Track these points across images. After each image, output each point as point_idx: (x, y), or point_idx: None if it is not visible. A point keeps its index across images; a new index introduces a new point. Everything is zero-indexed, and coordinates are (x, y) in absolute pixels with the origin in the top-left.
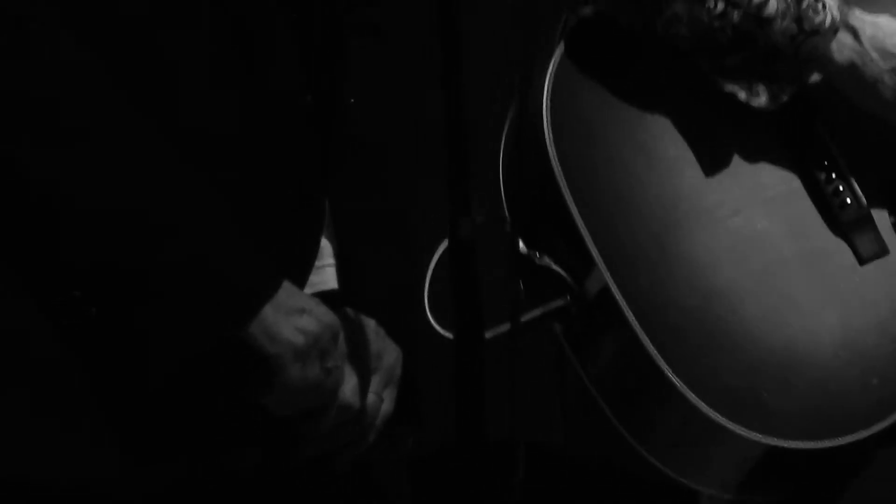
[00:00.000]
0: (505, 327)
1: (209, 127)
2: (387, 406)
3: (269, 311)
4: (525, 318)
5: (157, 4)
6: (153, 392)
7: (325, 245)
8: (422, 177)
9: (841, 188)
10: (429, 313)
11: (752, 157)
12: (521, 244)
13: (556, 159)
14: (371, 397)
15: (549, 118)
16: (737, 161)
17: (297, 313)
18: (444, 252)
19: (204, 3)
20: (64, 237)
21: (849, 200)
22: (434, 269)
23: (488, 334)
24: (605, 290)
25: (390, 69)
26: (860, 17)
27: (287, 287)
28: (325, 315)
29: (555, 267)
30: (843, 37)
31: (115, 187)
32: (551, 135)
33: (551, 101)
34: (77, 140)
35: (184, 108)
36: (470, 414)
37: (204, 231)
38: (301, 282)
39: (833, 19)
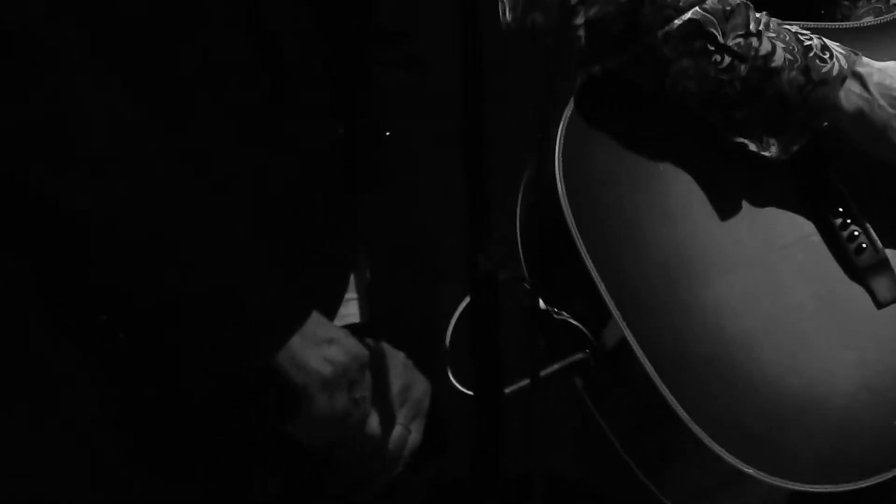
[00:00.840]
0: (525, 382)
1: (239, 158)
2: (414, 437)
3: (297, 341)
4: (545, 372)
5: (185, 28)
6: (179, 415)
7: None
8: (451, 209)
9: (856, 233)
10: (450, 373)
11: (765, 204)
12: (539, 300)
13: (570, 213)
14: (398, 429)
15: (561, 172)
16: (750, 209)
17: (325, 343)
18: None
19: (235, 27)
20: (92, 263)
21: (864, 245)
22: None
23: (508, 389)
24: (623, 341)
25: (424, 101)
26: (868, 64)
27: (316, 317)
28: (354, 346)
29: (573, 321)
30: (851, 85)
31: (143, 215)
32: (564, 189)
33: (563, 155)
34: (106, 167)
35: (212, 138)
36: (487, 458)
37: (233, 260)
38: (331, 313)
39: (840, 68)
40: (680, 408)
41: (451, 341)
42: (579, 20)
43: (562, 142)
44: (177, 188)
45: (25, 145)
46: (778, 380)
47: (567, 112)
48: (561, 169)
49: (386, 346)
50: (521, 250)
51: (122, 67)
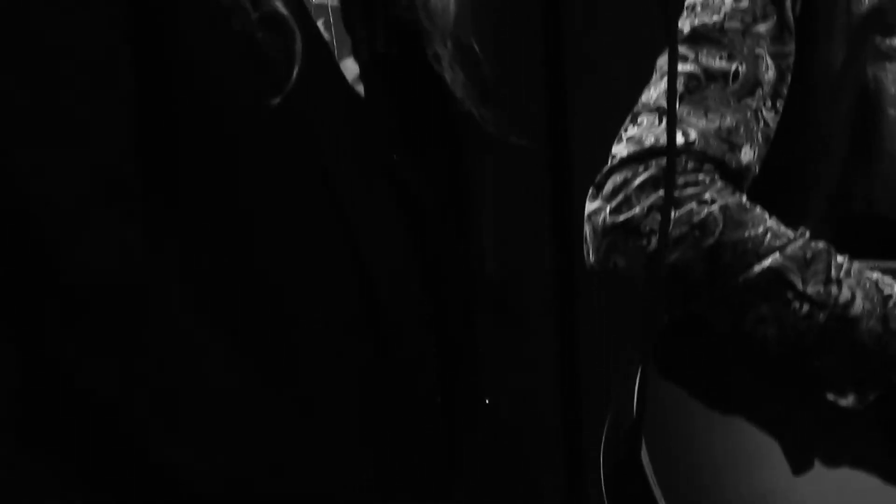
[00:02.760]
0: None
1: (339, 419)
2: None
3: None
4: None
5: (289, 281)
6: None
7: None
8: (550, 474)
9: None
10: None
11: (846, 453)
12: None
13: (649, 461)
14: None
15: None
16: (827, 459)
17: None
18: None
19: (342, 282)
20: None
21: None
22: None
23: None
24: None
25: (520, 358)
26: None
27: None
28: None
29: None
30: None
31: (243, 473)
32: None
33: (644, 403)
34: (199, 428)
35: (315, 397)
36: None
37: None
38: None
39: None
40: None
41: None
42: None
43: (642, 389)
44: (280, 448)
45: (123, 401)
46: None
47: (649, 358)
48: (642, 418)
49: None
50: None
51: (226, 323)
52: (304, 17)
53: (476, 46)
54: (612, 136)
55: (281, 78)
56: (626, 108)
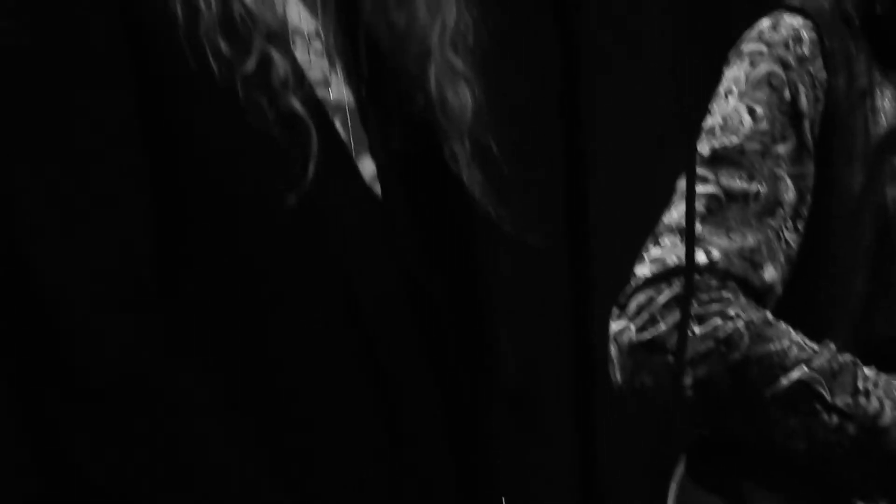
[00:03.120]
0: None
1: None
2: None
3: None
4: None
5: (306, 371)
6: None
7: None
8: None
9: None
10: None
11: None
12: None
13: None
14: None
15: None
16: None
17: None
18: None
19: (354, 369)
20: None
21: None
22: None
23: None
24: None
25: (539, 461)
26: None
27: None
28: None
29: None
30: None
31: None
32: None
33: None
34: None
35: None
36: None
37: None
38: None
39: None
40: None
41: None
42: (688, 380)
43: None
44: None
45: (134, 490)
46: None
47: (678, 473)
48: None
49: None
50: None
51: (238, 417)
52: (321, 116)
53: (493, 145)
54: (632, 236)
55: (297, 176)
56: (646, 205)
